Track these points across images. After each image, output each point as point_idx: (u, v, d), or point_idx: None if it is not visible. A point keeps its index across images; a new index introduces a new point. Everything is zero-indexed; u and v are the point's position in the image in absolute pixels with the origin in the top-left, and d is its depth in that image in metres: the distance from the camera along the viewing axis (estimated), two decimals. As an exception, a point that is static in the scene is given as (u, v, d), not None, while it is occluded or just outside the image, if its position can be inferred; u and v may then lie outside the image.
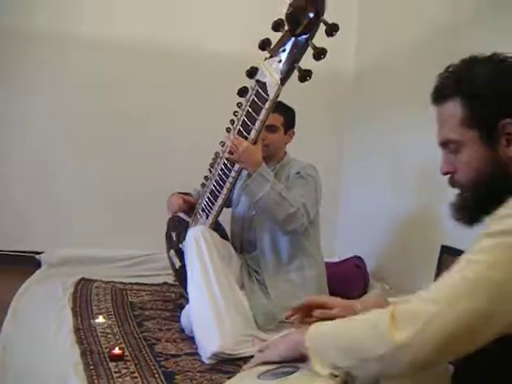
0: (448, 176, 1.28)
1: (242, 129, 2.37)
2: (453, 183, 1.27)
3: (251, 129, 2.33)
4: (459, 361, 1.21)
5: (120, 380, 2.07)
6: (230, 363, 2.22)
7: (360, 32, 4.20)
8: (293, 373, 1.21)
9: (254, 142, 2.37)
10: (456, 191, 1.28)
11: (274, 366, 1.29)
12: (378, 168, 3.80)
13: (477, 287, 0.99)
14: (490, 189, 1.18)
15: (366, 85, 4.11)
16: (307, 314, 1.49)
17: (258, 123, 2.27)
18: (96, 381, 2.03)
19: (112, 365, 2.20)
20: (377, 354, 1.04)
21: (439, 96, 1.25)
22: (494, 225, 1.04)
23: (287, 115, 2.77)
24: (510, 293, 0.98)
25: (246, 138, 2.36)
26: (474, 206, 1.22)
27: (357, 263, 3.62)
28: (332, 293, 3.01)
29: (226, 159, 2.48)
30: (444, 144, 1.26)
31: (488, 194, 1.18)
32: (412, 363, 1.02)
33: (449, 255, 2.75)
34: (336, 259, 3.84)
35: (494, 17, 2.68)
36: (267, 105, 2.21)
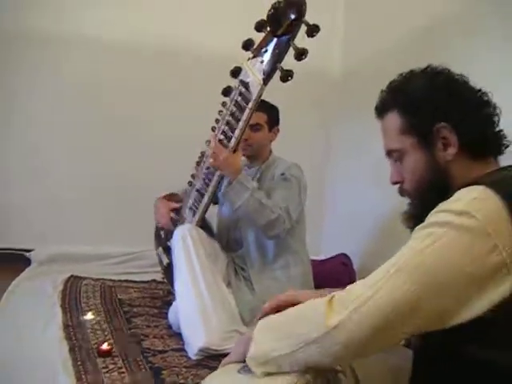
0: (397, 186, 1.33)
1: (223, 136, 2.42)
2: (401, 192, 1.33)
3: (231, 137, 2.38)
4: (418, 347, 1.26)
5: (107, 375, 2.10)
6: (215, 359, 2.23)
7: (347, 32, 4.24)
8: None
9: (234, 151, 2.42)
10: (407, 200, 1.33)
11: None
12: (364, 167, 3.83)
13: (406, 272, 1.03)
14: (435, 194, 1.21)
15: (353, 84, 4.14)
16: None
17: (241, 123, 2.31)
18: (84, 376, 2.06)
19: (100, 360, 2.22)
20: (311, 338, 1.07)
21: (380, 109, 1.33)
22: (428, 218, 1.10)
23: (270, 113, 2.80)
24: (437, 277, 1.02)
25: (227, 146, 2.41)
26: (422, 213, 1.23)
27: (343, 261, 3.65)
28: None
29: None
30: (388, 154, 1.33)
31: (433, 200, 1.20)
32: (344, 345, 1.04)
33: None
34: (322, 257, 3.86)
35: (472, 17, 2.73)
36: (250, 104, 2.24)
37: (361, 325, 1.02)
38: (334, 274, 3.47)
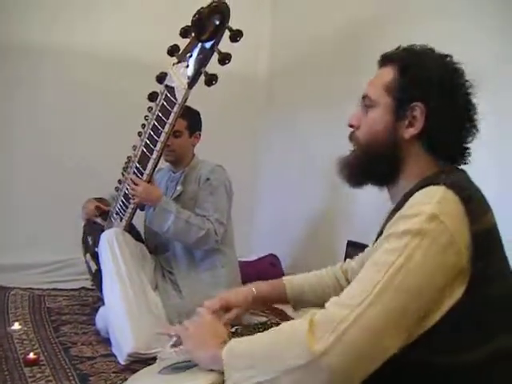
0: (351, 130, 1.32)
1: (138, 165, 2.51)
2: (352, 138, 1.32)
3: (145, 168, 2.50)
4: None
5: (34, 384, 2.08)
6: (144, 363, 2.22)
7: (273, 34, 4.32)
8: (196, 365, 1.22)
9: (149, 181, 2.52)
10: (351, 147, 1.32)
11: (181, 360, 1.30)
12: (292, 167, 3.92)
13: (388, 290, 1.01)
14: (379, 156, 1.24)
15: (281, 85, 4.22)
16: None
17: (166, 127, 2.33)
18: (10, 386, 2.04)
19: (27, 370, 2.20)
20: (296, 364, 1.01)
21: (385, 59, 1.30)
22: (399, 224, 1.08)
23: (190, 118, 2.82)
24: (420, 291, 1.02)
25: (142, 174, 2.51)
26: (360, 166, 1.27)
27: (272, 261, 3.70)
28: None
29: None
30: (363, 98, 1.30)
31: (375, 160, 1.24)
32: (331, 372, 0.99)
33: (354, 249, 2.88)
34: (254, 257, 3.90)
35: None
36: (175, 108, 2.27)
37: (348, 350, 0.99)
38: (262, 274, 3.45)
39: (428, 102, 1.19)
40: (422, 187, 1.12)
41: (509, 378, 1.09)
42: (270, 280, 1.62)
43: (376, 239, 1.26)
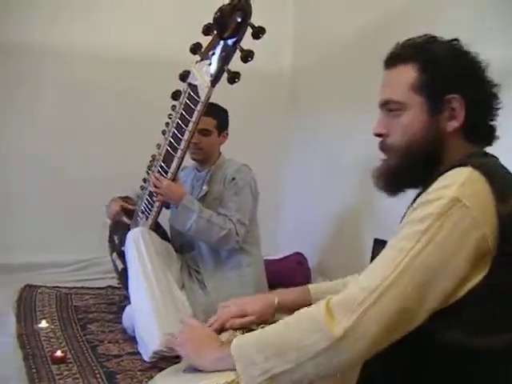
0: (380, 140, 1.28)
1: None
2: (383, 147, 1.27)
3: (169, 167, 2.50)
4: None
5: (61, 382, 2.11)
6: (170, 361, 2.21)
7: (297, 31, 4.29)
8: None
9: (173, 179, 2.53)
10: (382, 156, 1.28)
11: None
12: (317, 165, 3.89)
13: (407, 274, 1.02)
14: (420, 157, 1.21)
15: (304, 84, 4.20)
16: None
17: (190, 125, 2.32)
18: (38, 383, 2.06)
19: (54, 367, 2.23)
20: (318, 349, 1.03)
21: (393, 59, 1.26)
22: (421, 209, 1.08)
23: (220, 117, 2.82)
24: (437, 274, 1.03)
25: (166, 173, 2.51)
26: (399, 172, 1.24)
27: (299, 259, 3.69)
28: (275, 290, 3.09)
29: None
30: (384, 104, 1.26)
31: (416, 163, 1.21)
32: (353, 354, 1.02)
33: (381, 248, 2.85)
34: (280, 255, 3.89)
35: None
36: (199, 106, 2.27)
37: (369, 331, 1.01)
38: (289, 272, 3.50)
39: (462, 91, 1.18)
40: (449, 170, 1.11)
41: None
42: (296, 287, 1.58)
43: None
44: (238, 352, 1.12)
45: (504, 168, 1.17)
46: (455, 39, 1.23)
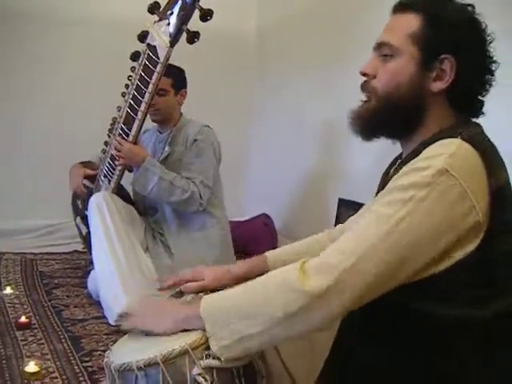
0: (364, 79, 1.24)
1: (123, 126, 2.46)
2: (366, 87, 1.23)
3: (130, 129, 2.46)
4: None
5: (26, 347, 2.11)
6: (136, 324, 2.25)
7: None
8: None
9: (135, 142, 2.49)
10: (362, 98, 1.24)
11: None
12: (284, 127, 3.88)
13: (387, 241, 1.02)
14: (400, 108, 1.18)
15: (271, 44, 4.16)
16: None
17: (150, 87, 2.28)
18: (2, 350, 2.07)
19: (19, 333, 2.23)
20: (293, 309, 1.03)
21: (404, 5, 1.22)
22: (407, 176, 1.06)
23: (175, 76, 2.77)
24: (419, 243, 1.02)
25: (128, 135, 2.47)
26: (376, 117, 1.21)
27: (264, 221, 3.71)
28: (241, 251, 3.11)
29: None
30: (379, 47, 1.23)
31: (395, 112, 1.19)
32: (329, 313, 1.03)
33: (346, 208, 2.88)
34: (246, 217, 3.91)
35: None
36: (158, 68, 2.22)
37: (343, 294, 1.01)
38: (255, 234, 3.52)
39: (458, 55, 1.15)
40: (437, 140, 1.10)
41: None
42: (255, 256, 1.54)
43: (376, 194, 1.24)
44: (208, 313, 1.10)
45: (487, 138, 1.16)
46: (470, 5, 1.20)
